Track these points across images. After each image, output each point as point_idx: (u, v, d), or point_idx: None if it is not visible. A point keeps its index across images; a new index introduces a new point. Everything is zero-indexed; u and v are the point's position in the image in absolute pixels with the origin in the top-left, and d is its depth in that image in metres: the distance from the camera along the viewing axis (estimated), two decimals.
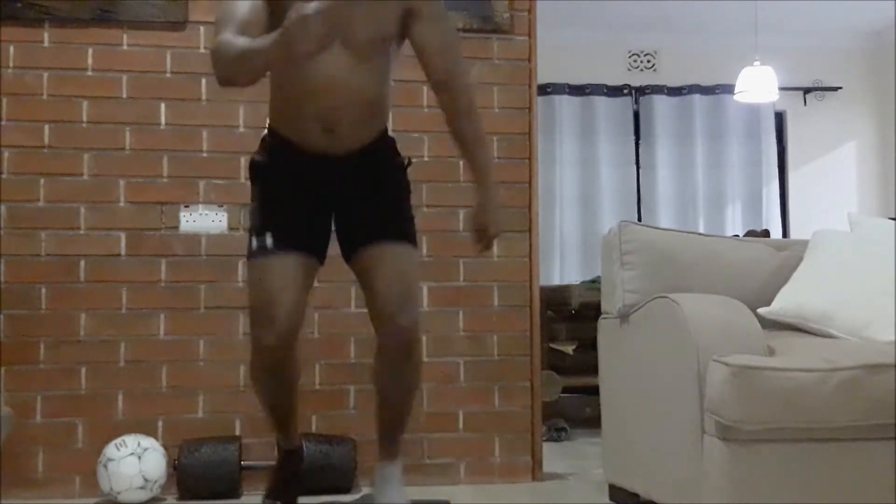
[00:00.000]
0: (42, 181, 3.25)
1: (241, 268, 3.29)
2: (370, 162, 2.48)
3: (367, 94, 2.39)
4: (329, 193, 2.48)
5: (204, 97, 3.35)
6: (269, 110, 2.51)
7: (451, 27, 2.59)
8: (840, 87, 7.38)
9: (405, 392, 2.51)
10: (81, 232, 3.26)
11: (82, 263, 3.25)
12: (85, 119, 3.29)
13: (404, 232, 2.50)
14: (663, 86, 7.28)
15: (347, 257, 2.52)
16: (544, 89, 6.97)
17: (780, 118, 7.46)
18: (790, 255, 2.96)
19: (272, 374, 2.46)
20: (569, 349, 4.70)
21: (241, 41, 2.18)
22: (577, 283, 5.10)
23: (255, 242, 2.43)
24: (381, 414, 2.55)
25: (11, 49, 3.25)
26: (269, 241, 2.40)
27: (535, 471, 3.42)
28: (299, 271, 2.41)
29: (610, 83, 7.26)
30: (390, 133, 2.58)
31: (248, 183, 3.23)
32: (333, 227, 2.55)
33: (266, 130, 2.53)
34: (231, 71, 2.22)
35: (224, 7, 2.33)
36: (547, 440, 4.18)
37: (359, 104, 2.38)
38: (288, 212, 2.45)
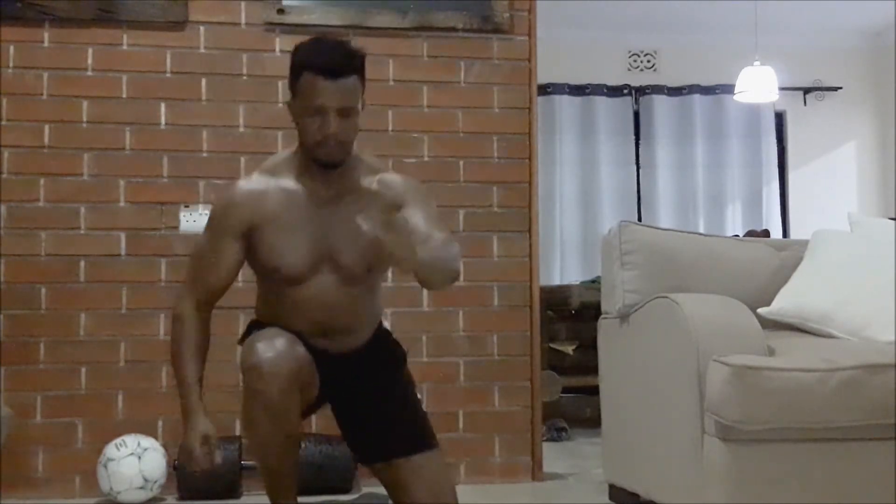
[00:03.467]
0: (42, 181, 3.25)
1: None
2: (370, 358, 2.45)
3: (358, 310, 2.40)
4: (331, 384, 2.40)
5: (204, 97, 3.35)
6: (256, 312, 2.49)
7: (431, 204, 2.42)
8: (840, 87, 7.38)
9: None
10: (81, 232, 3.26)
11: (82, 263, 3.25)
12: (85, 119, 3.29)
13: (429, 439, 2.43)
14: (663, 86, 7.28)
15: (365, 461, 2.50)
16: (544, 89, 6.97)
17: (780, 118, 7.46)
18: (790, 255, 2.96)
19: (273, 417, 2.22)
20: (569, 349, 4.70)
21: (188, 366, 2.33)
22: (577, 283, 5.10)
23: (252, 336, 2.34)
24: None
25: (11, 49, 3.25)
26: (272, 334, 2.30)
27: (535, 471, 3.42)
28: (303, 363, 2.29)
29: (610, 83, 7.26)
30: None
31: None
32: (336, 416, 2.51)
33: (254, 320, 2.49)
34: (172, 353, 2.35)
35: (195, 259, 2.42)
36: (547, 440, 4.18)
37: (349, 319, 2.38)
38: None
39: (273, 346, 2.21)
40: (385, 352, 2.53)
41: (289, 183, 2.34)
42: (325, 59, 2.23)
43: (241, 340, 2.42)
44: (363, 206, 2.16)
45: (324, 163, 2.30)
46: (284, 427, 2.24)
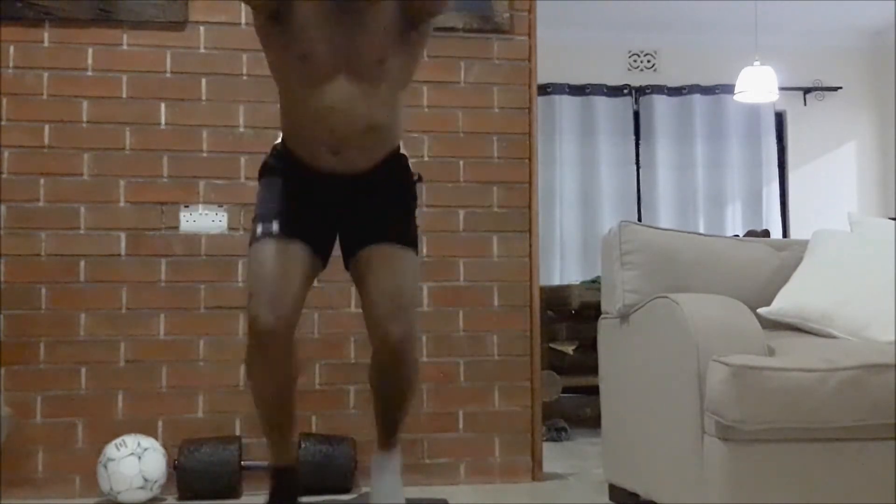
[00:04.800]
0: (42, 181, 3.25)
1: (241, 268, 3.29)
2: (378, 179, 2.45)
3: (374, 119, 2.36)
4: (336, 209, 2.45)
5: (204, 97, 3.35)
6: (281, 126, 2.49)
7: None
8: (840, 87, 7.38)
9: (398, 394, 2.48)
10: (81, 232, 3.26)
11: (82, 263, 3.25)
12: (85, 119, 3.29)
13: (402, 235, 2.44)
14: (663, 86, 7.29)
15: (347, 264, 2.50)
16: (544, 89, 6.97)
17: (780, 118, 7.47)
18: (790, 255, 2.96)
19: (270, 365, 2.33)
20: (569, 349, 4.70)
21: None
22: (577, 283, 5.10)
23: (259, 228, 2.38)
24: (377, 412, 2.53)
25: (11, 49, 3.25)
26: (275, 226, 2.36)
27: (535, 471, 3.42)
28: (304, 258, 2.37)
29: (610, 83, 7.27)
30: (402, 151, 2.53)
31: (247, 182, 3.25)
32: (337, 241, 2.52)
33: (279, 140, 2.51)
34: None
35: None
36: (547, 440, 4.18)
37: (365, 130, 2.35)
38: (295, 208, 2.41)
39: (273, 309, 2.26)
40: (395, 174, 2.51)
41: None
42: None
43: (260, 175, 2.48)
44: None
45: None
46: (283, 372, 2.36)
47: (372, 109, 2.34)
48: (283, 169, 2.46)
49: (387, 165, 2.46)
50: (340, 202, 2.44)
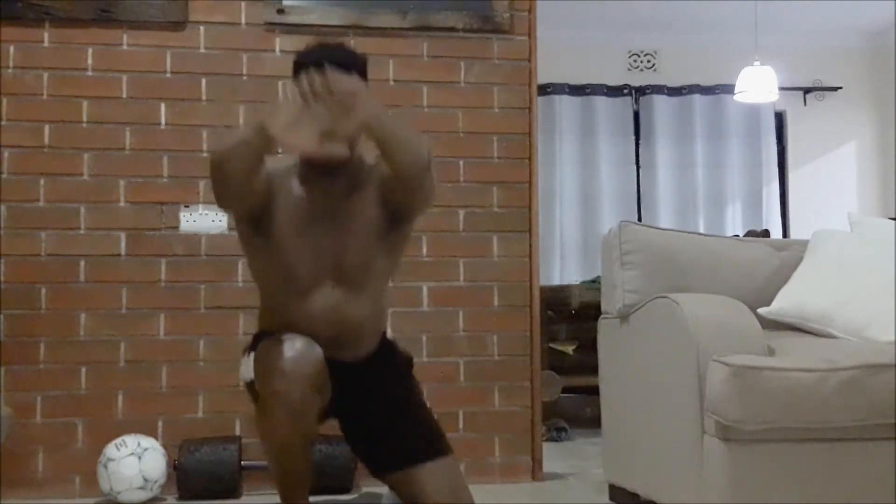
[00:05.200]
0: (42, 181, 3.25)
1: (241, 268, 3.29)
2: (378, 367, 2.44)
3: (361, 319, 2.37)
4: (338, 397, 2.36)
5: (204, 97, 3.35)
6: (260, 320, 2.46)
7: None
8: (840, 87, 7.38)
9: None
10: (81, 232, 3.26)
11: (82, 263, 3.25)
12: (85, 119, 3.29)
13: (442, 444, 2.44)
14: (663, 86, 7.29)
15: (380, 472, 2.45)
16: (544, 89, 6.97)
17: (780, 118, 7.47)
18: (790, 255, 2.96)
19: (294, 419, 2.17)
20: (569, 349, 4.70)
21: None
22: (577, 283, 5.10)
23: (264, 340, 2.30)
24: None
25: (11, 49, 3.25)
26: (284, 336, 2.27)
27: (535, 471, 3.42)
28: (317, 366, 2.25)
29: (610, 83, 7.27)
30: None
31: None
32: (344, 431, 2.51)
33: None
34: (221, 157, 2.22)
35: None
36: (547, 440, 4.18)
37: (354, 330, 2.37)
38: None
39: (293, 347, 2.18)
40: (392, 359, 2.52)
41: (295, 185, 2.34)
42: (325, 54, 2.25)
43: (249, 349, 2.40)
44: (363, 195, 2.29)
45: (326, 165, 2.31)
46: (304, 428, 2.20)
47: (358, 311, 2.36)
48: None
49: (382, 352, 2.48)
50: (346, 391, 2.37)
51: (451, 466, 2.43)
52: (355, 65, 2.27)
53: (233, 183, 2.22)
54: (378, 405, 2.44)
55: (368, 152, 2.39)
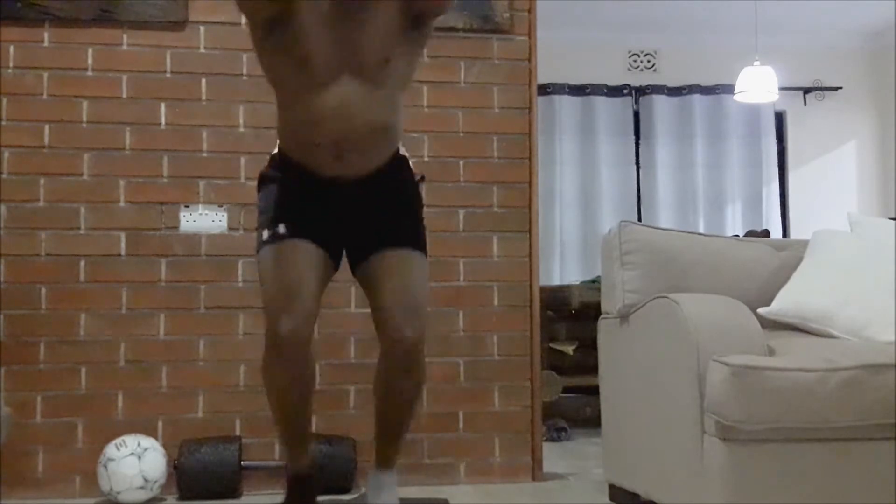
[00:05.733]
0: (42, 181, 3.25)
1: (241, 268, 3.29)
2: (382, 183, 2.42)
3: (377, 121, 2.33)
4: (341, 215, 2.40)
5: (204, 97, 3.35)
6: (277, 133, 2.45)
7: None
8: (840, 87, 7.38)
9: (406, 401, 2.43)
10: (81, 232, 3.26)
11: (82, 263, 3.25)
12: (85, 119, 3.29)
13: (412, 239, 2.42)
14: (663, 86, 7.28)
15: (354, 269, 2.46)
16: (544, 89, 6.97)
17: (780, 118, 7.46)
18: (790, 255, 2.96)
19: (290, 370, 2.28)
20: (569, 349, 4.70)
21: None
22: (577, 283, 5.10)
23: (266, 233, 2.34)
24: (379, 423, 2.48)
25: (11, 49, 3.26)
26: (282, 229, 2.32)
27: (535, 471, 3.42)
28: (316, 257, 2.33)
29: (610, 83, 7.26)
30: (402, 152, 2.51)
31: (247, 182, 3.25)
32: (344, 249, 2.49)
33: (276, 150, 2.48)
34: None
35: None
36: (547, 440, 4.18)
37: (368, 132, 2.32)
38: (300, 212, 2.37)
39: (291, 313, 2.20)
40: (398, 176, 2.48)
41: None
42: None
43: (260, 183, 2.46)
44: None
45: None
46: (303, 377, 2.32)
47: (375, 111, 2.31)
48: (282, 178, 2.43)
49: (390, 168, 2.44)
50: (345, 208, 2.40)
51: (416, 261, 2.39)
52: None
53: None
54: (373, 211, 2.42)
55: None
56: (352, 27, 2.26)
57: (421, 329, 2.32)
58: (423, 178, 2.57)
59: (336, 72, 2.26)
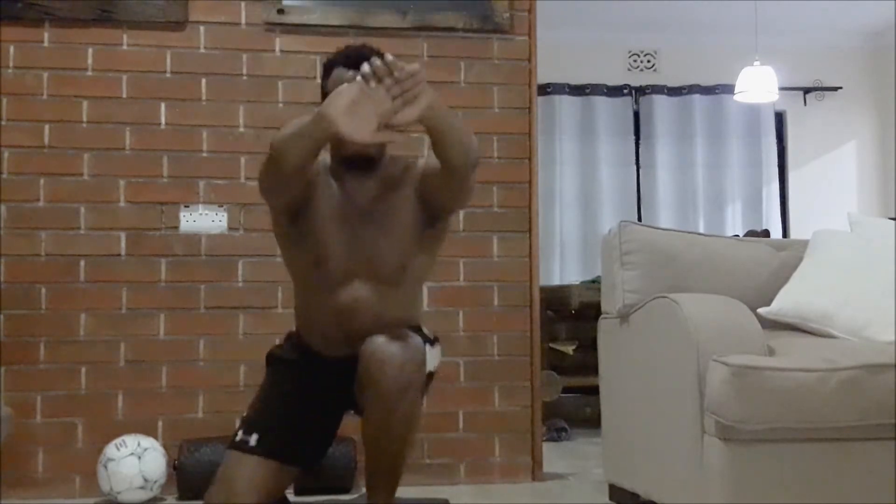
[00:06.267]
0: (42, 181, 3.25)
1: (241, 268, 3.30)
2: None
3: (392, 317, 2.27)
4: (348, 393, 2.30)
5: (204, 97, 3.35)
6: (295, 316, 2.43)
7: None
8: (840, 87, 7.38)
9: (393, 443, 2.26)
10: (81, 232, 3.26)
11: (82, 263, 3.25)
12: (85, 119, 3.29)
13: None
14: (663, 86, 7.28)
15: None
16: (544, 89, 6.97)
17: (780, 118, 7.46)
18: (790, 255, 2.96)
19: None
20: (569, 349, 4.70)
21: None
22: (577, 283, 5.10)
23: (240, 433, 2.29)
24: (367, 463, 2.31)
25: (11, 49, 3.26)
26: (253, 440, 2.25)
27: (535, 471, 3.42)
28: (271, 480, 2.26)
29: (610, 83, 7.26)
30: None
31: (247, 182, 3.25)
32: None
33: (294, 328, 2.44)
34: (279, 149, 2.15)
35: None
36: (547, 440, 4.18)
37: (381, 327, 2.22)
38: (289, 415, 2.32)
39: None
40: None
41: (331, 181, 2.29)
42: (353, 52, 2.25)
43: (285, 338, 2.43)
44: (399, 194, 2.26)
45: (358, 159, 2.26)
46: None
47: (390, 309, 2.28)
48: (292, 360, 2.38)
49: None
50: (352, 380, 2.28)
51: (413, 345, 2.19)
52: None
53: (286, 174, 2.17)
54: None
55: (400, 151, 2.38)
56: (369, 231, 2.26)
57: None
58: (436, 339, 2.42)
59: (351, 275, 2.25)
